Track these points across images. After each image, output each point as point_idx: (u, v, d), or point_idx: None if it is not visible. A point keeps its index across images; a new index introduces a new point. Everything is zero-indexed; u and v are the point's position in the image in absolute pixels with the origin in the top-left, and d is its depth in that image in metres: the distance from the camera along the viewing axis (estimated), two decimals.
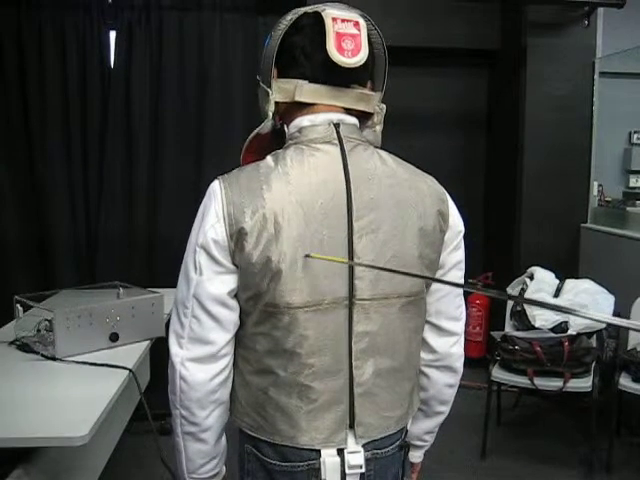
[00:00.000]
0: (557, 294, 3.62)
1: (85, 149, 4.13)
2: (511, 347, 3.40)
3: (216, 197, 1.20)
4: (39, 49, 4.01)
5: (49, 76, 4.03)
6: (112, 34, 4.11)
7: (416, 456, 1.49)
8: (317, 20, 1.22)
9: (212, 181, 1.24)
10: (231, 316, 1.22)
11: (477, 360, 4.57)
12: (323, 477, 1.22)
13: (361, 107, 1.29)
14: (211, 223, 1.19)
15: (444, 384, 1.43)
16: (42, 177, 4.09)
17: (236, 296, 1.22)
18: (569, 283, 3.67)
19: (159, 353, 2.69)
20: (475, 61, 4.76)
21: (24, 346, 2.41)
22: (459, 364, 1.42)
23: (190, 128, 4.18)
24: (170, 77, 4.13)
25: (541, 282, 3.69)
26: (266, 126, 1.28)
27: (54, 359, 2.28)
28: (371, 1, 4.12)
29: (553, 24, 4.28)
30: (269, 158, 1.24)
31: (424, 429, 1.49)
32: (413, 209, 1.25)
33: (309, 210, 1.19)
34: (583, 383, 3.27)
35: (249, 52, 4.11)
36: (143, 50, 4.09)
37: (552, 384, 3.29)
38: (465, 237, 1.35)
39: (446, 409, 1.48)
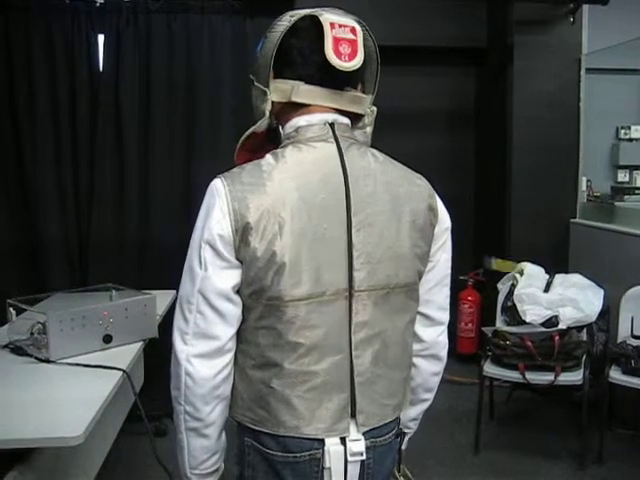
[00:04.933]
0: (547, 289, 3.66)
1: (75, 152, 4.12)
2: (502, 342, 3.42)
3: (220, 194, 1.23)
4: (28, 54, 4.00)
5: (38, 80, 4.02)
6: (100, 38, 4.11)
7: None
8: (314, 24, 1.26)
9: (211, 180, 1.27)
10: (235, 311, 1.25)
11: (469, 356, 4.60)
12: (327, 466, 1.26)
13: (354, 109, 1.34)
14: (217, 219, 1.22)
15: (430, 373, 1.48)
16: (33, 181, 4.08)
17: (238, 292, 1.25)
18: (559, 278, 3.71)
19: (153, 355, 2.71)
20: (462, 59, 4.79)
21: (18, 349, 2.41)
22: (444, 353, 1.48)
23: (179, 131, 4.18)
24: (159, 80, 4.13)
25: (531, 277, 3.72)
26: (262, 125, 1.32)
27: (48, 361, 2.29)
28: (359, 0, 4.17)
29: (539, 21, 4.31)
30: (269, 156, 1.28)
31: (410, 416, 1.53)
32: (406, 204, 1.30)
33: (310, 205, 1.23)
34: (574, 376, 3.30)
35: (237, 54, 4.12)
36: (132, 53, 4.09)
37: (543, 378, 3.31)
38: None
39: (431, 396, 1.54)
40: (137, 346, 2.54)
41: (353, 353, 1.27)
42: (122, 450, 3.11)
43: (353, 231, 1.25)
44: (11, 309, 2.52)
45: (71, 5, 4.03)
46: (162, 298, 2.77)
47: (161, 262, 3.95)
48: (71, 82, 4.07)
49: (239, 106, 4.00)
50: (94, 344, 2.43)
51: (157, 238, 4.10)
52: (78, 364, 2.28)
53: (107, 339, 2.46)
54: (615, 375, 3.24)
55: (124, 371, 2.21)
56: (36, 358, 2.33)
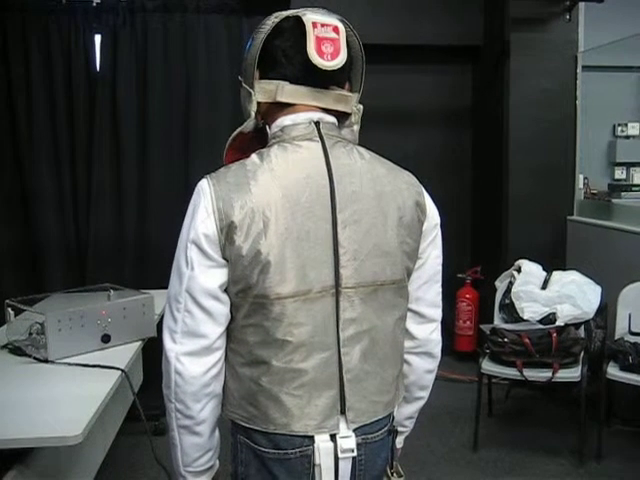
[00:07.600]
0: (544, 286, 3.66)
1: (73, 152, 4.13)
2: (500, 339, 3.42)
3: (205, 194, 1.24)
4: (24, 53, 4.01)
5: (35, 80, 4.03)
6: (97, 37, 4.11)
7: (397, 442, 1.52)
8: (298, 24, 1.27)
9: (200, 180, 1.28)
10: (223, 309, 1.26)
11: (467, 354, 4.62)
12: (317, 462, 1.26)
13: (340, 107, 1.35)
14: (201, 219, 1.23)
15: (424, 370, 1.49)
16: (30, 181, 4.08)
17: (226, 290, 1.26)
18: (556, 275, 3.71)
19: (151, 354, 2.71)
20: (459, 57, 4.79)
21: (16, 349, 2.42)
22: (437, 350, 1.48)
23: (177, 130, 4.19)
24: (156, 80, 4.13)
25: (529, 275, 3.73)
26: (248, 125, 1.34)
27: (46, 361, 2.30)
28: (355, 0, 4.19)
29: (535, 19, 4.32)
30: (254, 156, 1.29)
31: (405, 414, 1.54)
32: (392, 201, 1.31)
33: (295, 203, 1.24)
34: (572, 373, 3.30)
35: (234, 53, 4.12)
36: (128, 53, 4.09)
37: (541, 375, 3.32)
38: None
39: (425, 394, 1.54)
40: (135, 345, 2.55)
41: (341, 350, 1.27)
42: (121, 449, 3.12)
43: (339, 229, 1.26)
44: (9, 309, 2.53)
45: (68, 5, 4.03)
46: (160, 297, 2.74)
47: (159, 262, 3.93)
48: (68, 82, 4.07)
49: (236, 105, 3.99)
50: (92, 344, 2.43)
51: (155, 238, 4.10)
52: (77, 364, 2.28)
53: (105, 339, 2.46)
54: (613, 372, 3.24)
55: (123, 370, 2.21)
56: (35, 358, 2.33)
